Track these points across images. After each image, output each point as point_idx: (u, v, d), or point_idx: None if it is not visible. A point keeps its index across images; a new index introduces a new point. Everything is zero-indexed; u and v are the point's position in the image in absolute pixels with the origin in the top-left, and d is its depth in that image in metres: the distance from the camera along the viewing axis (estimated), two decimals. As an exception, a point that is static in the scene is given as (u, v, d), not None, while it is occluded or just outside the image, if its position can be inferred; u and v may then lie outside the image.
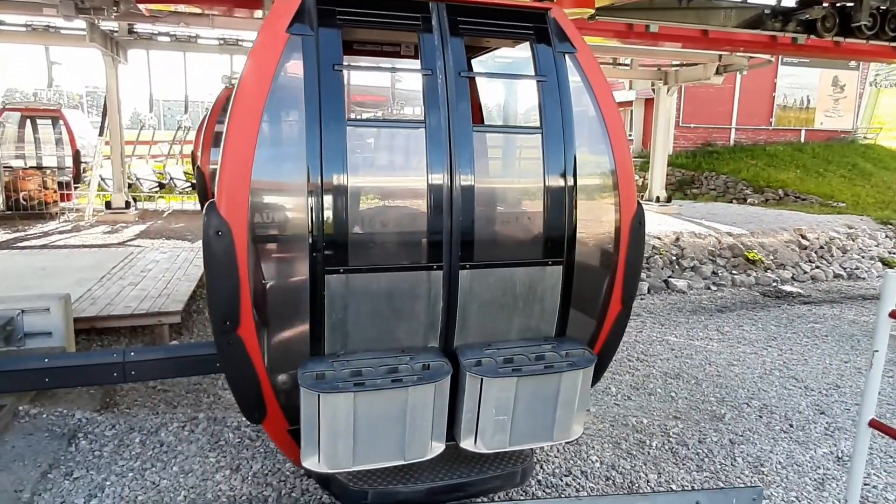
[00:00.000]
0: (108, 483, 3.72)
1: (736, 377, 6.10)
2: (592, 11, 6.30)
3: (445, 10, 2.93)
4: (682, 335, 7.54)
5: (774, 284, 10.34)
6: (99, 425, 4.36)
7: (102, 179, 14.98)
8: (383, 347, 2.89)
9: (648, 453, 4.41)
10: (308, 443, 2.65)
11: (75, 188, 14.80)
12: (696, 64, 13.80)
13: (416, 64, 3.10)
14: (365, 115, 24.84)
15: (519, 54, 3.58)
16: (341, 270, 2.73)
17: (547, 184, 3.00)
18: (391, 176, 3.36)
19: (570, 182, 3.02)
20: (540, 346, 3.02)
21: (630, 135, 26.16)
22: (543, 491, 3.87)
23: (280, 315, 2.89)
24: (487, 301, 3.01)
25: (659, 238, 11.07)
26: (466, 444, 2.88)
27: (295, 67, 2.71)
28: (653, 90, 15.39)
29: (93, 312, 6.04)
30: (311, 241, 2.66)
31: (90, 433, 4.27)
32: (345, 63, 2.78)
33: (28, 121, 16.46)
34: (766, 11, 9.92)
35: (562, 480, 3.98)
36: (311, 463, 2.67)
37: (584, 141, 3.11)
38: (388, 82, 19.37)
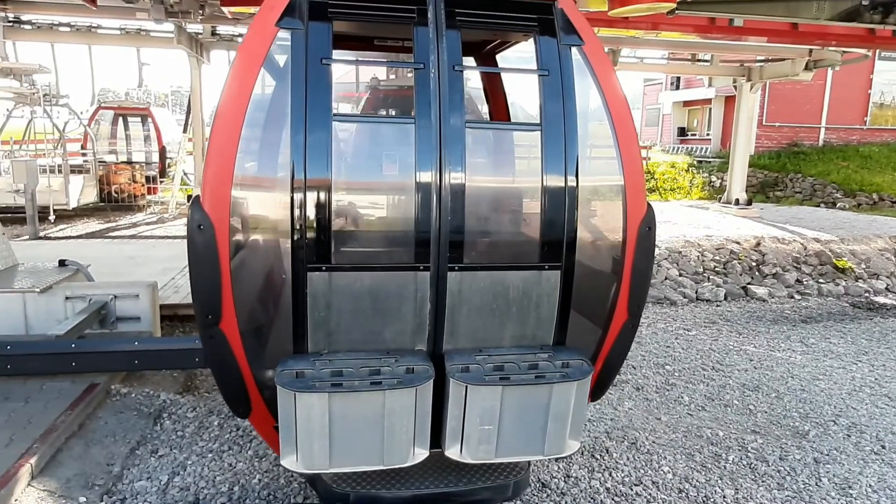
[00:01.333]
0: (189, 462, 3.91)
1: (821, 392, 5.72)
2: (674, 6, 6.05)
3: (443, 1, 2.80)
4: (762, 345, 7.15)
5: (866, 295, 9.65)
6: (181, 407, 4.59)
7: (185, 174, 15.77)
8: (369, 348, 2.83)
9: (725, 467, 4.20)
10: (286, 442, 2.61)
11: (160, 182, 15.66)
12: (783, 59, 13.06)
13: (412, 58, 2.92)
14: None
15: (531, 48, 3.42)
16: (323, 268, 2.68)
17: (545, 184, 2.83)
18: (378, 172, 3.20)
19: (572, 182, 2.84)
20: (535, 354, 2.86)
21: (707, 133, 25.10)
22: (612, 500, 3.76)
23: (262, 311, 2.88)
24: (478, 305, 2.87)
25: (738, 242, 10.56)
26: (451, 452, 2.77)
27: (282, 62, 2.68)
28: (734, 87, 14.69)
29: (176, 300, 6.38)
30: (293, 237, 2.63)
31: (173, 414, 4.51)
32: (334, 57, 2.72)
33: (120, 119, 17.56)
34: (865, 3, 9.23)
35: (632, 490, 3.86)
36: (289, 462, 2.63)
37: (588, 139, 2.94)
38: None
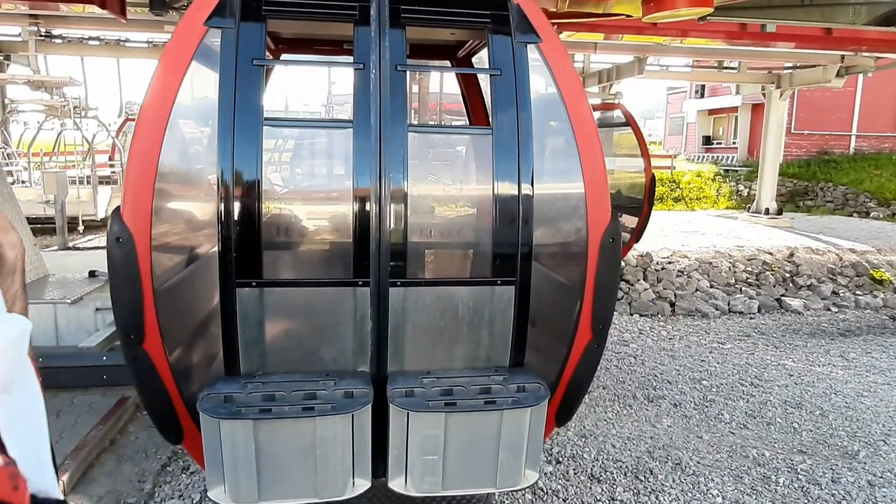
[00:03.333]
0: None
1: (868, 410, 5.48)
2: (711, 10, 5.90)
3: None
4: (801, 360, 6.91)
5: (906, 307, 9.32)
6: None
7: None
8: (307, 370, 2.63)
9: (776, 490, 4.01)
10: (212, 473, 2.43)
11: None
12: (814, 66, 12.78)
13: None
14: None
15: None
16: (253, 284, 2.49)
17: (497, 192, 2.61)
18: (313, 180, 3.02)
19: (526, 190, 2.62)
20: (488, 377, 2.65)
21: (734, 142, 24.73)
22: (657, 524, 3.60)
23: (190, 330, 2.70)
24: (424, 323, 2.67)
25: (770, 253, 10.30)
26: (395, 484, 2.57)
27: (210, 63, 2.49)
28: (763, 94, 14.42)
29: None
30: (220, 250, 2.44)
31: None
32: (269, 58, 2.59)
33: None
34: (903, 6, 9.00)
35: (677, 514, 3.69)
36: (215, 494, 2.43)
37: (544, 144, 2.73)
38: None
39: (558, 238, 2.92)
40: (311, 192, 3.06)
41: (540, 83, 2.71)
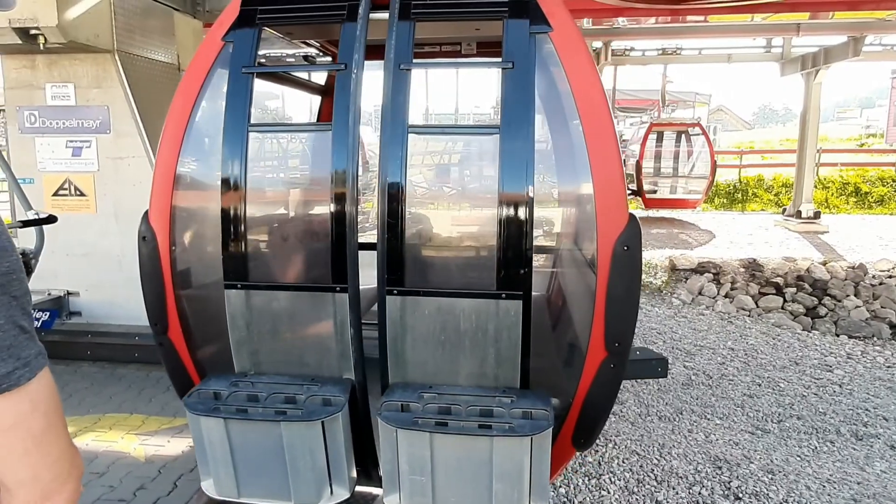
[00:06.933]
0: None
1: None
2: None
3: None
4: None
5: None
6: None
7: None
8: (295, 373, 2.67)
9: None
10: (201, 464, 2.54)
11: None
12: None
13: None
14: (629, 121, 23.89)
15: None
16: (239, 286, 2.59)
17: (502, 194, 2.43)
18: (296, 183, 2.97)
19: (531, 193, 2.45)
20: (494, 397, 2.45)
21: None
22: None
23: (200, 325, 2.85)
24: (423, 335, 2.54)
25: None
26: (390, 501, 2.46)
27: (223, 76, 2.67)
28: None
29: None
30: (219, 252, 2.61)
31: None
32: (259, 64, 2.64)
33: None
34: None
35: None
36: (206, 486, 2.56)
37: (550, 142, 2.56)
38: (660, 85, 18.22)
39: (564, 245, 2.70)
40: (292, 195, 3.13)
41: (549, 77, 2.57)
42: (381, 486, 2.78)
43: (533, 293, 2.49)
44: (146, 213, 2.74)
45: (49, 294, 5.83)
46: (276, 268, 2.97)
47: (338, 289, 2.54)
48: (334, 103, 2.55)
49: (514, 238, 2.44)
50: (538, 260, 2.61)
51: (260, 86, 2.81)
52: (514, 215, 2.43)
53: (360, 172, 2.65)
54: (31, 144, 5.63)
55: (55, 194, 5.67)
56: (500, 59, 2.47)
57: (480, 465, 2.31)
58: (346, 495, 2.54)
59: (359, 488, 2.95)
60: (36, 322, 5.13)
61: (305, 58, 4.73)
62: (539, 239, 2.60)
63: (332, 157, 2.51)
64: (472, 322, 2.51)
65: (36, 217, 3.76)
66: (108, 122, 5.54)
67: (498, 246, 2.46)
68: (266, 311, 2.65)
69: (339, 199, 2.50)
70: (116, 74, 5.46)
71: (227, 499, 2.59)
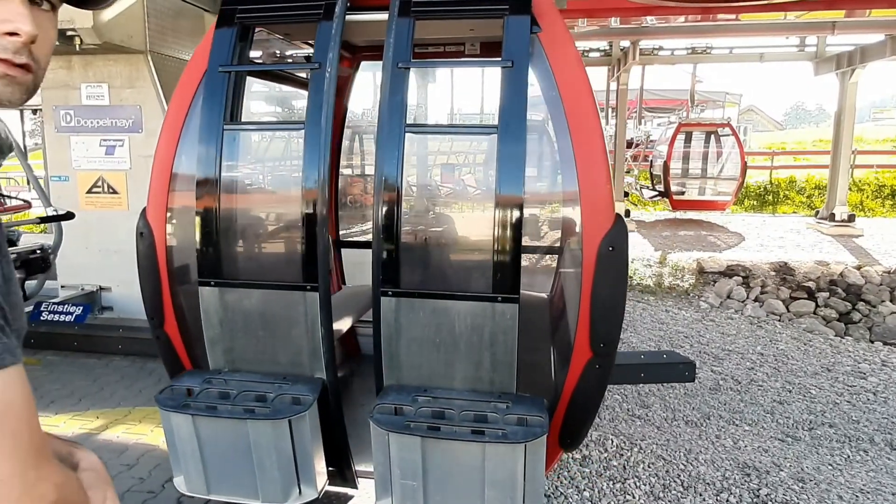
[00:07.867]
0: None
1: None
2: None
3: None
4: None
5: None
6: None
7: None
8: (267, 371, 2.67)
9: None
10: (173, 460, 2.53)
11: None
12: None
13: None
14: (657, 121, 23.54)
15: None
16: (212, 283, 2.62)
17: (500, 196, 2.41)
18: (278, 182, 2.96)
19: (522, 193, 2.46)
20: (490, 402, 2.41)
21: None
22: None
23: (187, 320, 2.89)
24: (418, 337, 2.52)
25: None
26: None
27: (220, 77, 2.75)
28: None
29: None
30: (194, 249, 2.67)
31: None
32: (235, 63, 2.66)
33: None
34: None
35: None
36: (178, 482, 2.56)
37: (536, 141, 2.56)
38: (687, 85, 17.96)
39: (549, 245, 2.70)
40: (267, 193, 3.17)
41: (535, 77, 2.53)
42: (355, 488, 2.81)
43: (521, 293, 2.48)
44: (144, 209, 2.81)
45: (82, 289, 5.98)
46: (250, 266, 2.98)
47: (308, 287, 2.55)
48: (308, 102, 2.57)
49: (512, 241, 2.42)
50: (526, 261, 2.62)
51: (259, 86, 2.89)
52: (513, 216, 2.43)
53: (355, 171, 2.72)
54: (66, 143, 5.78)
55: (89, 191, 5.80)
56: (499, 59, 2.46)
57: (473, 471, 2.28)
58: (315, 495, 2.52)
59: (333, 489, 2.94)
60: (69, 316, 5.27)
61: (283, 57, 4.71)
62: (526, 239, 2.56)
63: (305, 156, 2.51)
64: (467, 324, 2.48)
65: (55, 213, 3.82)
66: (140, 121, 5.65)
67: (494, 249, 2.44)
68: (238, 309, 2.66)
69: (310, 197, 2.51)
70: (149, 74, 5.57)
71: (196, 496, 2.60)
